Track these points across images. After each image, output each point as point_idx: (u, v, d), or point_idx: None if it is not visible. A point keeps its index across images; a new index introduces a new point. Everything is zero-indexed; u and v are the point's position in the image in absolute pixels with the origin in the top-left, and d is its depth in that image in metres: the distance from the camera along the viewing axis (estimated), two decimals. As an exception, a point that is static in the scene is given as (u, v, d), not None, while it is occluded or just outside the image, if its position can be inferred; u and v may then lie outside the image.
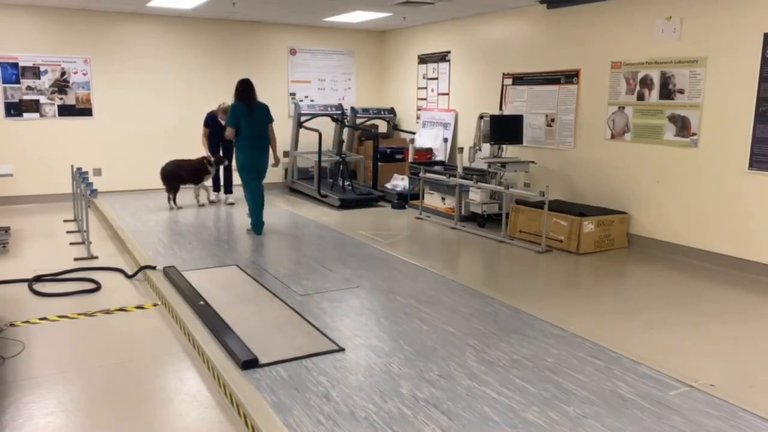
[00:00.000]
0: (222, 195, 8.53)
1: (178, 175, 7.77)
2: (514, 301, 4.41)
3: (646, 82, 6.19)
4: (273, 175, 9.99)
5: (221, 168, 8.32)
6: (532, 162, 7.38)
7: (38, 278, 4.92)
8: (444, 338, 3.70)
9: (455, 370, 3.26)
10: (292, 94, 10.05)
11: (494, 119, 7.33)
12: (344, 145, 9.75)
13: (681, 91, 5.89)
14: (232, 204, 8.30)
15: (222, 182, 8.49)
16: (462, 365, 3.32)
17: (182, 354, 3.61)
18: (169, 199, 7.84)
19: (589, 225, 6.13)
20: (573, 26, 7.00)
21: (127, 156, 8.90)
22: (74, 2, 7.92)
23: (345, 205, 8.41)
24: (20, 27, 8.11)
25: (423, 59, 9.70)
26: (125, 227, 6.61)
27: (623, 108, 6.45)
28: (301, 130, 9.39)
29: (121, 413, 2.95)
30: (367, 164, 9.52)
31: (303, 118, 9.39)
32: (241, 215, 7.51)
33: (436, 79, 9.43)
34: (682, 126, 5.91)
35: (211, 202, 8.35)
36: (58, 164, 8.33)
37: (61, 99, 8.45)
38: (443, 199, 7.84)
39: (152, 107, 8.99)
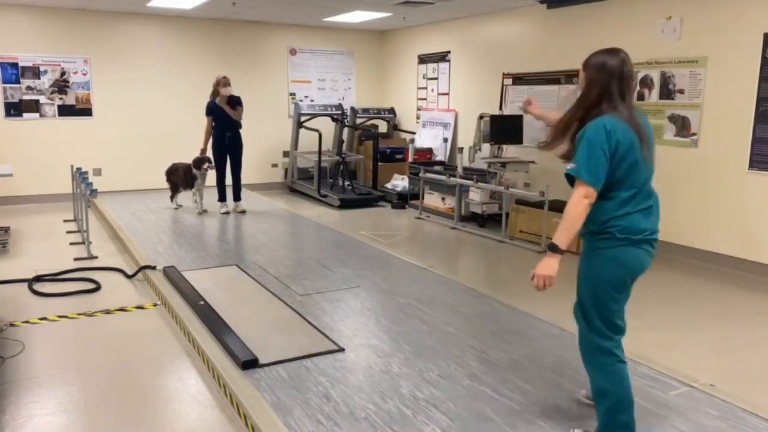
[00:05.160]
0: (231, 203, 7.64)
1: (171, 180, 7.72)
2: (514, 301, 4.41)
3: (646, 82, 6.19)
4: (273, 174, 10.05)
5: (224, 171, 7.50)
6: (532, 162, 7.37)
7: (38, 278, 4.91)
8: (444, 338, 3.70)
9: (455, 370, 3.26)
10: (292, 94, 10.04)
11: (494, 119, 7.34)
12: (344, 145, 9.75)
13: (681, 91, 5.89)
14: (243, 212, 7.54)
15: (232, 185, 7.58)
16: (462, 365, 3.32)
17: (182, 354, 3.61)
18: (170, 198, 7.83)
19: (589, 225, 6.13)
20: (573, 26, 7.00)
21: (127, 156, 8.90)
22: (74, 2, 7.92)
23: (345, 205, 8.41)
24: (20, 27, 8.10)
25: (423, 59, 9.70)
26: (125, 227, 6.60)
27: (623, 108, 6.44)
28: (301, 130, 9.39)
29: (121, 413, 2.95)
30: (367, 164, 9.52)
31: (303, 118, 9.39)
32: (246, 218, 7.49)
33: (436, 79, 9.43)
34: (682, 126, 5.91)
35: (225, 214, 7.49)
36: (58, 164, 8.32)
37: (61, 99, 8.45)
38: (443, 199, 7.84)
39: (152, 107, 8.99)
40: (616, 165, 2.37)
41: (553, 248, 2.39)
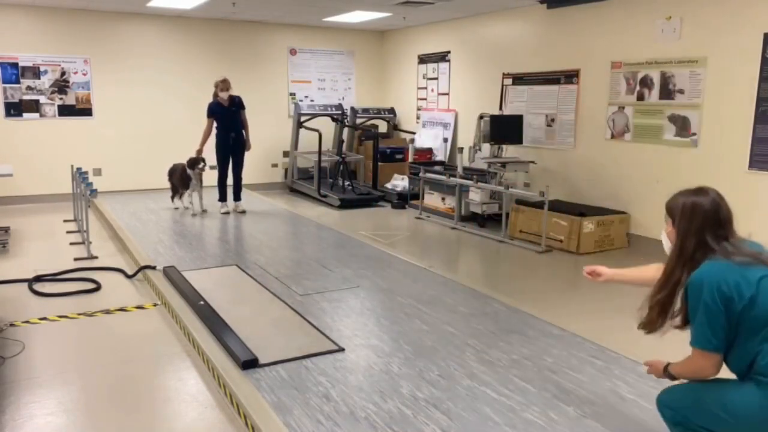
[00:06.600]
0: (231, 203, 7.61)
1: (171, 181, 7.71)
2: (514, 301, 4.41)
3: (646, 82, 6.19)
4: (273, 174, 10.05)
5: (226, 172, 7.48)
6: (532, 162, 7.38)
7: (38, 278, 4.91)
8: (444, 338, 3.70)
9: (455, 370, 3.26)
10: (292, 94, 10.04)
11: (494, 119, 7.33)
12: (344, 145, 9.75)
13: (681, 91, 5.89)
14: (243, 212, 7.52)
15: (232, 185, 7.55)
16: (462, 365, 3.32)
17: (182, 354, 3.61)
18: (171, 198, 7.82)
19: (589, 225, 6.13)
20: (573, 26, 7.00)
21: (127, 156, 8.89)
22: (74, 2, 7.92)
23: (345, 205, 8.41)
24: (20, 27, 8.10)
25: (423, 59, 9.70)
26: (125, 227, 6.60)
27: (623, 108, 6.45)
28: (301, 130, 9.39)
29: (121, 413, 2.95)
30: (367, 164, 9.52)
31: (303, 118, 9.39)
32: (246, 218, 7.49)
33: (436, 79, 9.43)
34: (682, 126, 5.91)
35: (225, 214, 7.46)
36: (58, 164, 8.32)
37: (61, 99, 8.45)
38: (443, 199, 7.84)
39: (152, 107, 8.99)
40: (753, 308, 1.96)
41: (669, 375, 2.33)
